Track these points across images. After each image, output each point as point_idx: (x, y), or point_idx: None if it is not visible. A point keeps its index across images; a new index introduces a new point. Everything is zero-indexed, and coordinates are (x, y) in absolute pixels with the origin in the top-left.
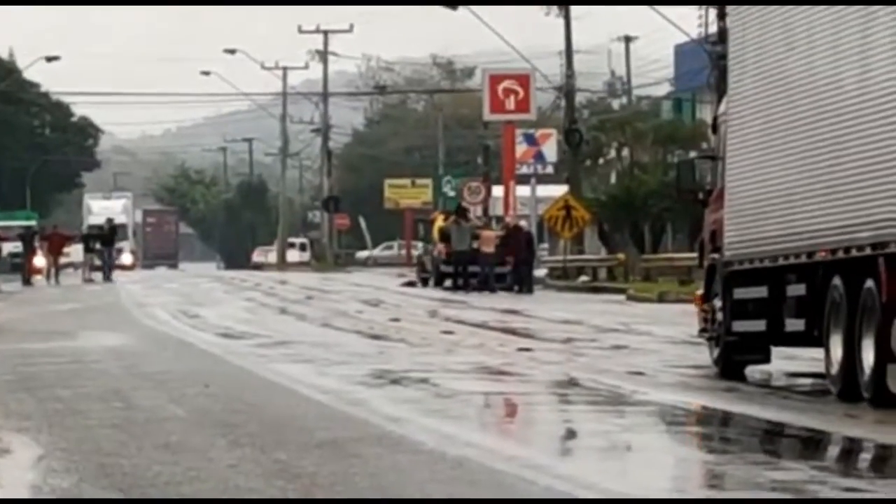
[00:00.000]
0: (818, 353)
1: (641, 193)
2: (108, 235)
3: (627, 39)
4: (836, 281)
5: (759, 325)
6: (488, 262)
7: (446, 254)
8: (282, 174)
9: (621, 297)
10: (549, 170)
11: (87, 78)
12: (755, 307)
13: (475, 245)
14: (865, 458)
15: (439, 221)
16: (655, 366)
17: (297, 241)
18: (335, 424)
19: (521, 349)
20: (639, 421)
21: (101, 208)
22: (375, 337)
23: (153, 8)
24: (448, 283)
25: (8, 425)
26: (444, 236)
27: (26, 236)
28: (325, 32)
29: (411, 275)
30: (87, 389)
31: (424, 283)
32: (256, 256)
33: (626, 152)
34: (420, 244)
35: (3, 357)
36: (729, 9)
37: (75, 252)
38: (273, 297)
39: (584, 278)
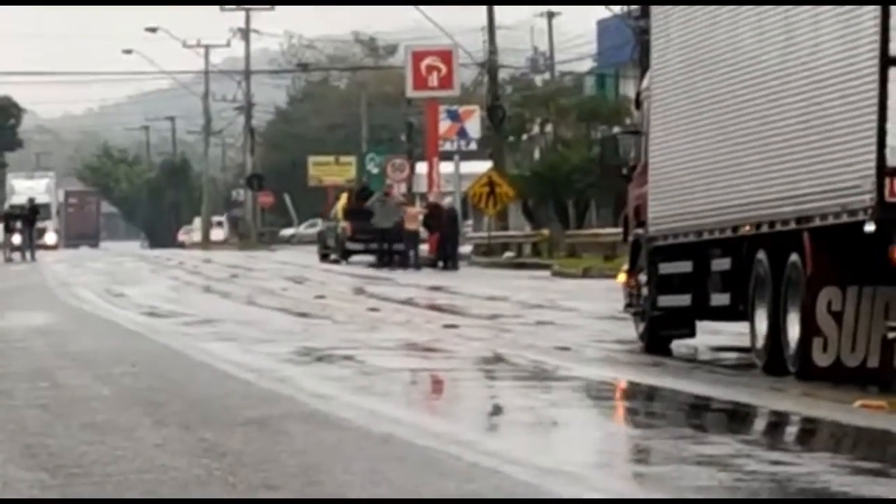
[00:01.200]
0: (743, 327)
1: (565, 169)
2: (29, 215)
3: (550, 15)
4: (761, 255)
5: (684, 300)
6: (411, 239)
7: (351, 231)
8: (205, 152)
9: (546, 273)
10: (473, 146)
11: (7, 57)
12: (680, 282)
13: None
14: (791, 431)
15: (343, 200)
16: (581, 341)
17: (216, 219)
18: (261, 402)
19: (446, 326)
20: (565, 396)
21: (24, 188)
22: (301, 314)
23: None
24: (356, 258)
25: None
26: (349, 214)
27: None
28: (248, 9)
29: (334, 253)
30: (12, 369)
31: (325, 258)
32: (181, 236)
33: (549, 128)
34: (320, 221)
35: None
36: None
37: None
38: (197, 275)
39: (508, 254)
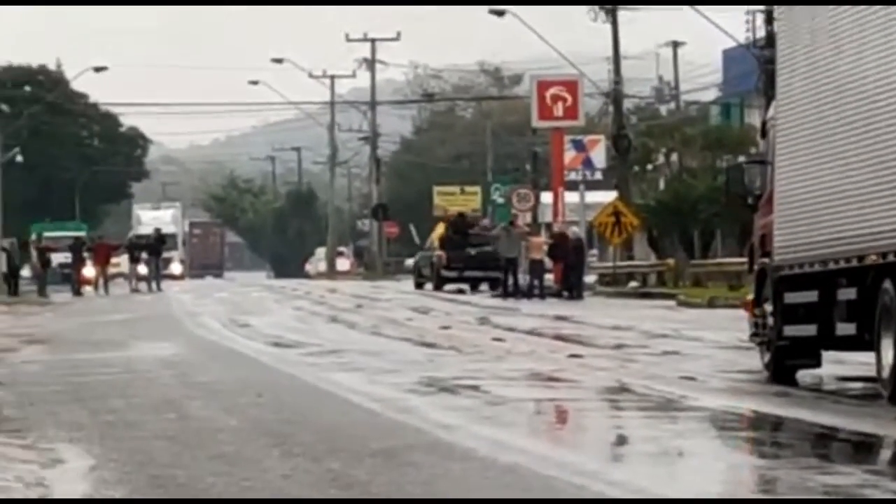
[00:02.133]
0: (869, 357)
1: (690, 199)
2: (154, 245)
3: (675, 44)
4: (887, 285)
5: (809, 330)
6: (536, 269)
7: (447, 259)
8: (330, 182)
9: (671, 302)
10: (598, 176)
11: (134, 89)
12: (806, 311)
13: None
14: None
15: (439, 229)
16: (706, 371)
17: (339, 249)
18: (387, 433)
19: (571, 356)
20: (690, 426)
21: (150, 218)
22: (426, 345)
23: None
24: (451, 286)
25: (60, 436)
26: (444, 242)
27: (75, 247)
28: (373, 41)
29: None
30: (139, 400)
31: (419, 286)
32: (308, 266)
33: (674, 158)
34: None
35: (55, 367)
36: (777, 13)
37: (124, 262)
38: (323, 305)
39: (633, 284)
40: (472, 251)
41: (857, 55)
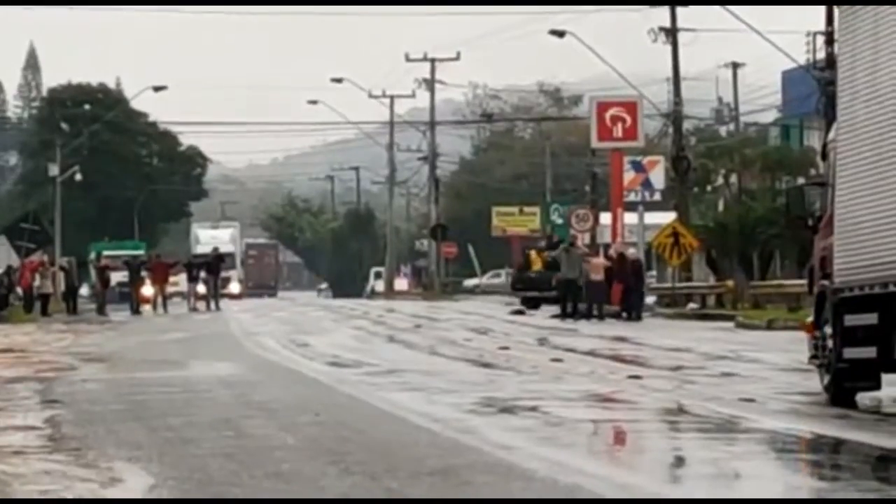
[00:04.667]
0: None
1: (750, 220)
2: (213, 264)
3: (735, 66)
4: None
5: (869, 352)
6: (597, 291)
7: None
8: (389, 202)
9: (730, 324)
10: (657, 197)
11: (193, 108)
12: (865, 334)
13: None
14: None
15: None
16: (765, 393)
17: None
18: (446, 452)
19: (630, 377)
20: (749, 448)
21: (208, 237)
22: (484, 365)
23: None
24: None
25: (119, 454)
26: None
27: (133, 265)
28: (433, 61)
29: (519, 303)
30: (197, 418)
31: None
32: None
33: (733, 179)
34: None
35: (114, 386)
36: (838, 34)
37: (183, 281)
38: (381, 325)
39: (692, 305)
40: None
41: None
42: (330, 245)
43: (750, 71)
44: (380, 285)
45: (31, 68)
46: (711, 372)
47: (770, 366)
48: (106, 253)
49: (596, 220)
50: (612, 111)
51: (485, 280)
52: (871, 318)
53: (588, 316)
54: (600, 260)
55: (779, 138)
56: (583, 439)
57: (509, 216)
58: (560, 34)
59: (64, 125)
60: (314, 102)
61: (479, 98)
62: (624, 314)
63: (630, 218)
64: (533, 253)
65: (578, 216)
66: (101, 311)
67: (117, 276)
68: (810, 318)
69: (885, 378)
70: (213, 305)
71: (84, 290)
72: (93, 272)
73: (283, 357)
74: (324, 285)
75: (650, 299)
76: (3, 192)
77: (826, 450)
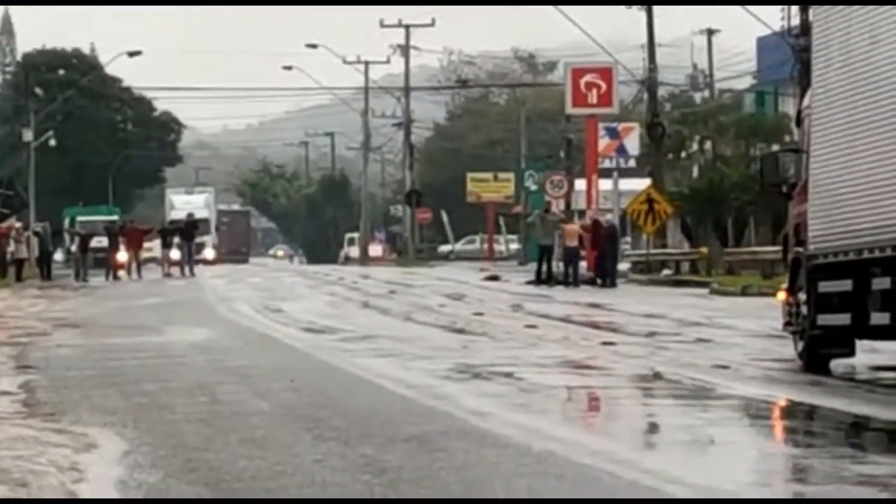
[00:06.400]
0: None
1: (724, 187)
2: (187, 230)
3: (710, 32)
4: None
5: (843, 319)
6: (571, 257)
7: None
8: (364, 168)
9: (704, 290)
10: (632, 163)
11: (168, 73)
12: (840, 300)
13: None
14: None
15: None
16: (739, 359)
17: (349, 236)
18: (420, 419)
19: (604, 343)
20: (723, 415)
21: (183, 203)
22: (459, 331)
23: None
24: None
25: (94, 420)
26: None
27: (113, 231)
28: (407, 27)
29: (493, 269)
30: (172, 384)
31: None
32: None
33: (708, 146)
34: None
35: (89, 352)
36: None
37: (157, 247)
38: (356, 291)
39: (666, 272)
40: None
41: (893, 44)
42: (304, 211)
43: (725, 38)
44: (354, 251)
45: (5, 34)
46: (686, 338)
47: (744, 332)
48: (80, 218)
49: (571, 186)
50: (587, 77)
51: (459, 246)
52: (845, 285)
53: (562, 282)
54: (574, 226)
55: (753, 105)
56: (557, 406)
57: (484, 182)
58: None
59: (38, 90)
60: (289, 68)
61: (453, 64)
62: (598, 281)
63: (605, 184)
64: None
65: (553, 182)
66: (84, 277)
67: (92, 242)
68: (784, 285)
69: (859, 345)
70: (187, 271)
71: (58, 256)
72: (67, 237)
73: (257, 323)
74: (282, 249)
75: (624, 266)
76: None
77: (800, 416)
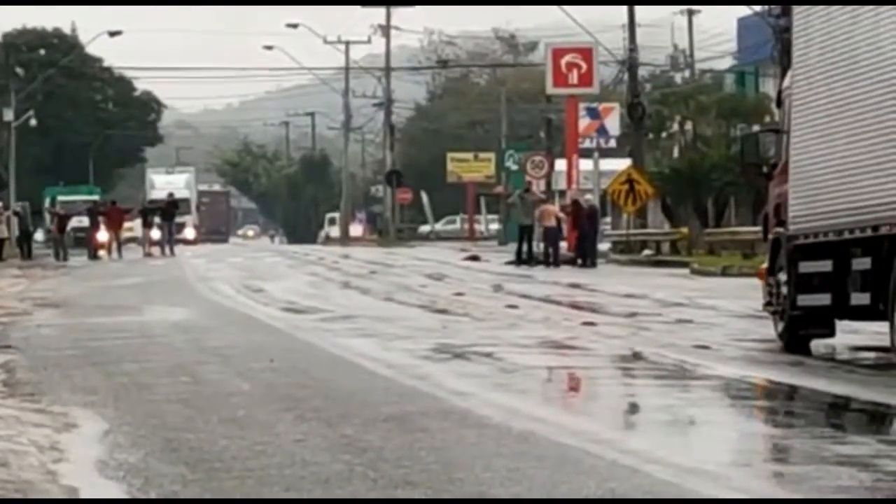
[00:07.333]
0: (883, 326)
1: (705, 167)
2: (167, 210)
3: (690, 13)
4: None
5: (823, 299)
6: (551, 237)
7: None
8: (344, 148)
9: (685, 270)
10: (612, 143)
11: (149, 53)
12: (820, 281)
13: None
14: None
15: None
16: (720, 340)
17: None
18: (401, 399)
19: (585, 323)
20: (704, 395)
21: (163, 183)
22: (439, 311)
23: None
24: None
25: (74, 400)
26: None
27: (94, 211)
28: (388, 5)
29: (474, 249)
30: (152, 364)
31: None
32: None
33: (689, 126)
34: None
35: (69, 331)
36: None
37: (138, 227)
38: (336, 271)
39: (647, 252)
40: None
41: (873, 24)
42: (285, 191)
43: (705, 18)
44: (334, 231)
45: None
46: (666, 318)
47: (725, 312)
48: (60, 198)
49: (551, 166)
50: (567, 58)
51: (439, 226)
52: (825, 266)
53: (543, 262)
54: (552, 207)
55: (734, 85)
56: (537, 386)
57: (464, 162)
58: None
59: (19, 70)
60: (270, 48)
61: (434, 44)
62: (579, 261)
63: (585, 164)
64: None
65: (534, 163)
66: (65, 257)
67: (72, 222)
68: (765, 265)
69: (840, 325)
70: (167, 251)
71: (39, 236)
72: (47, 217)
73: (238, 303)
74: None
75: (605, 246)
76: None
77: (780, 396)
